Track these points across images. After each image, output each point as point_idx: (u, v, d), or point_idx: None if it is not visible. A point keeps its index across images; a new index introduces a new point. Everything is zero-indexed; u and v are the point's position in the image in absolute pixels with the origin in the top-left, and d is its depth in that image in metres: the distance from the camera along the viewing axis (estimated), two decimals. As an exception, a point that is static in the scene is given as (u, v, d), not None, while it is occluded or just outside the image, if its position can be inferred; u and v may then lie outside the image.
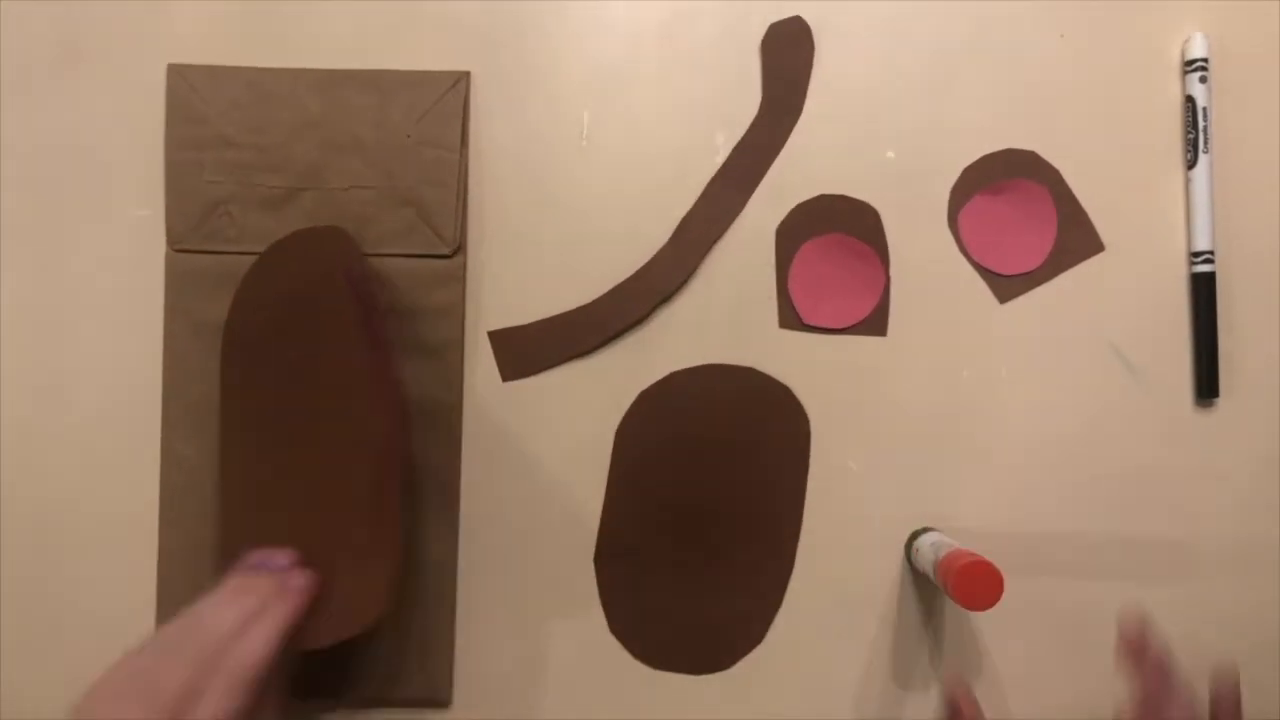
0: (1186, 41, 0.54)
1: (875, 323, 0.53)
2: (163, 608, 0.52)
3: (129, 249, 0.53)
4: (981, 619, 0.52)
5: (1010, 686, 0.53)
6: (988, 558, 0.46)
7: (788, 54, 0.54)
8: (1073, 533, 0.53)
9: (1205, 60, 0.53)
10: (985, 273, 0.54)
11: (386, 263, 0.52)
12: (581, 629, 0.53)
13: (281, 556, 0.45)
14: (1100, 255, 0.54)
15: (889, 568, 0.53)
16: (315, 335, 0.47)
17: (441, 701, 0.52)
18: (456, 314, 0.53)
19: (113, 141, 0.53)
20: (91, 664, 0.51)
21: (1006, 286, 0.54)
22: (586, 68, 0.54)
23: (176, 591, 0.52)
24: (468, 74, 0.53)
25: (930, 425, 0.53)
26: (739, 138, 0.54)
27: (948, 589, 0.46)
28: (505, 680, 0.53)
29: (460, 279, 0.53)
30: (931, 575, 0.48)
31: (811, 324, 0.53)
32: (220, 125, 0.52)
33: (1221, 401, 0.53)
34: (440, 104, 0.53)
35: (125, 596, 0.52)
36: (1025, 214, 0.54)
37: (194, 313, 0.52)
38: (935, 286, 0.54)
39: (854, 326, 0.53)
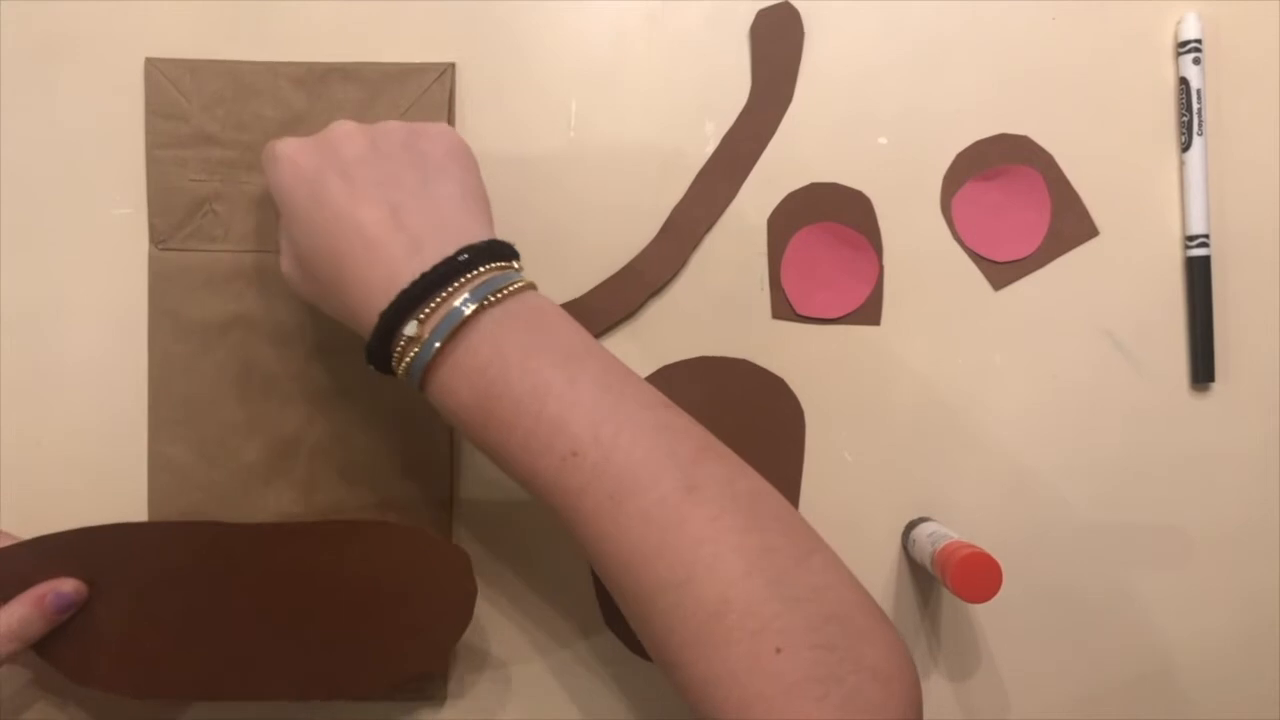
0: (1179, 22, 0.53)
1: (869, 312, 0.53)
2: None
3: (110, 248, 0.52)
4: (979, 608, 0.52)
5: (1009, 675, 0.53)
6: (983, 546, 0.46)
7: (777, 40, 0.53)
8: (1069, 520, 0.53)
9: (1199, 41, 0.52)
10: (979, 259, 0.53)
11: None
12: (576, 622, 0.53)
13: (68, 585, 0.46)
14: (1094, 240, 0.53)
15: (886, 558, 0.53)
16: None
17: (435, 696, 0.52)
18: (446, 310, 0.52)
19: (91, 138, 0.52)
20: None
21: (1000, 273, 0.53)
22: (573, 57, 0.53)
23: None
24: (452, 65, 0.52)
25: (926, 414, 0.53)
26: (729, 127, 0.53)
27: (946, 581, 0.45)
28: (499, 674, 0.52)
29: (449, 274, 0.52)
30: (929, 566, 0.48)
31: (805, 314, 0.53)
32: (202, 121, 0.51)
33: (1217, 386, 0.53)
34: (425, 97, 0.52)
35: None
36: (1018, 199, 0.53)
37: (179, 313, 0.51)
38: (929, 274, 0.53)
39: (847, 316, 0.53)
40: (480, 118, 0.53)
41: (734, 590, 0.36)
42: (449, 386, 0.39)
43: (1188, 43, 0.52)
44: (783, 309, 0.53)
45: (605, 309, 0.52)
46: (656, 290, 0.53)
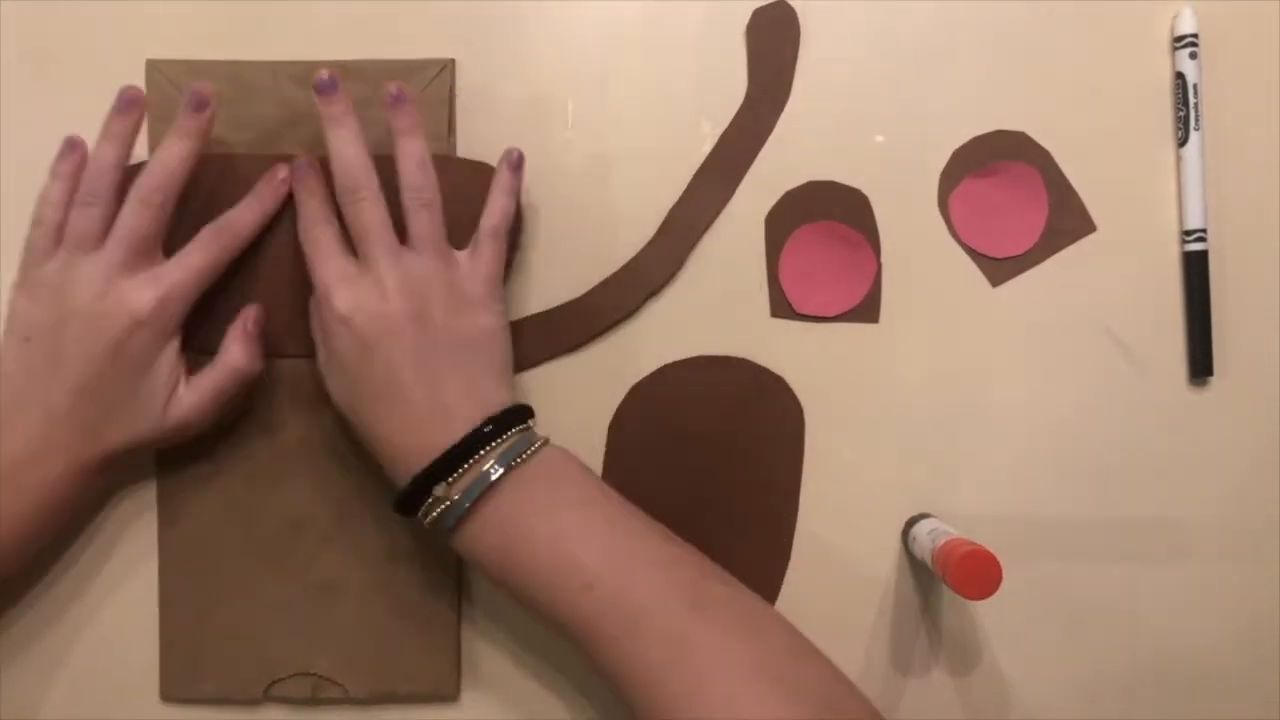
0: (1175, 16, 0.53)
1: (867, 310, 0.53)
2: (165, 609, 0.52)
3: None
4: (979, 605, 0.52)
5: (1009, 671, 0.53)
6: (984, 543, 0.46)
7: (773, 39, 0.53)
8: (1069, 516, 0.53)
9: (1195, 36, 0.52)
10: (977, 256, 0.53)
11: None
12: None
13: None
14: (1092, 236, 0.53)
15: (886, 555, 0.53)
16: None
17: (449, 696, 0.52)
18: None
19: (93, 140, 0.52)
20: (92, 665, 0.52)
21: (999, 269, 0.53)
22: (570, 57, 0.53)
23: (179, 590, 0.52)
24: (452, 62, 0.53)
25: (925, 411, 0.53)
26: (725, 126, 0.53)
27: (946, 579, 0.46)
28: (513, 673, 0.53)
29: (448, 275, 0.52)
30: (929, 563, 0.48)
31: (803, 313, 0.53)
32: (202, 123, 0.52)
33: (1216, 380, 0.53)
34: (426, 93, 0.52)
35: (126, 599, 0.52)
36: (1016, 196, 0.53)
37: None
38: (927, 271, 0.53)
39: (846, 314, 0.53)
40: (477, 118, 0.53)
41: (742, 693, 0.40)
42: (476, 535, 0.44)
43: (1184, 37, 0.52)
44: (781, 308, 0.53)
45: (604, 309, 0.53)
46: (655, 290, 0.53)
